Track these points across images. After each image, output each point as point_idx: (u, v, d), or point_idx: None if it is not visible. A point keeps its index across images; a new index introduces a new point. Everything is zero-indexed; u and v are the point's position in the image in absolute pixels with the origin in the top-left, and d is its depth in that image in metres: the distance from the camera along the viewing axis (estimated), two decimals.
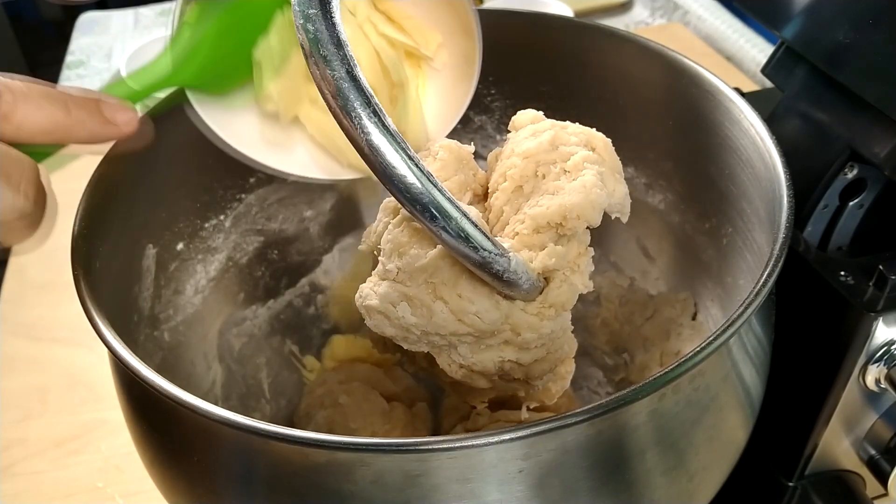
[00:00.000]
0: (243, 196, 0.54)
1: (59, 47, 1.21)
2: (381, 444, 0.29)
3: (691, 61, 0.47)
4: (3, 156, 0.32)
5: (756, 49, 0.98)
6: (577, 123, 0.39)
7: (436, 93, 0.48)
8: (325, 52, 0.28)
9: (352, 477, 0.30)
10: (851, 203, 0.45)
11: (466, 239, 0.30)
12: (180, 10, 0.41)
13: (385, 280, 0.35)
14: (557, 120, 0.40)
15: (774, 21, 0.47)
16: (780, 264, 0.34)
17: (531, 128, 0.39)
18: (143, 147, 0.41)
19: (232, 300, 0.55)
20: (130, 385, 0.38)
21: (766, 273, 0.33)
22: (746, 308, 0.32)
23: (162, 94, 0.43)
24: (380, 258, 0.35)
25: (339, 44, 0.28)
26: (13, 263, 0.76)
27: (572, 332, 0.38)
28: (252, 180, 0.55)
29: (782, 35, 0.47)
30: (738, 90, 0.45)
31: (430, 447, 0.29)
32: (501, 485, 0.30)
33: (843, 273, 0.41)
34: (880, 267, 0.40)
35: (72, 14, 1.30)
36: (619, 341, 0.57)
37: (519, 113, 0.40)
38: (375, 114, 0.28)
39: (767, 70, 0.49)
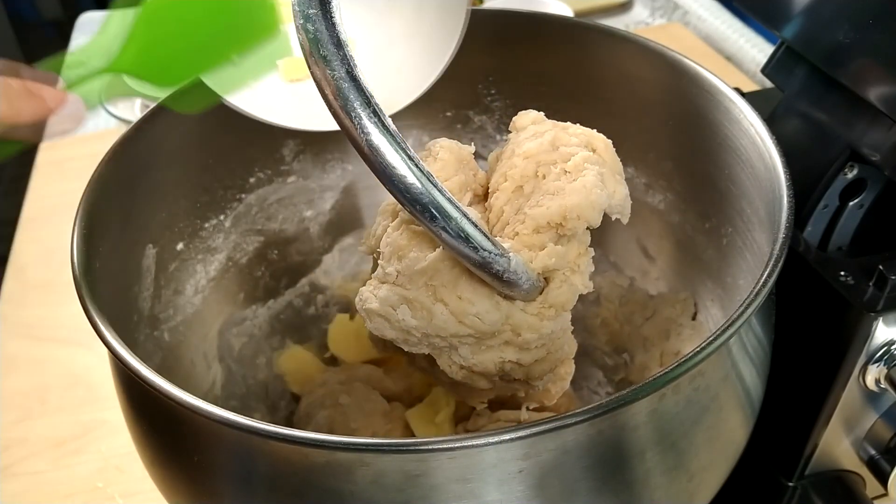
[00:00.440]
0: (243, 196, 0.54)
1: (59, 47, 1.20)
2: (381, 444, 0.29)
3: (691, 61, 0.47)
4: None
5: (756, 49, 0.98)
6: (578, 124, 0.39)
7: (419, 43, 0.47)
8: (325, 52, 0.28)
9: (352, 477, 0.30)
10: (851, 203, 0.45)
11: (466, 239, 0.30)
12: None
13: (385, 283, 0.35)
14: (557, 120, 0.40)
15: (774, 21, 0.47)
16: (780, 264, 0.34)
17: (532, 128, 0.39)
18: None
19: (232, 300, 0.55)
20: (130, 385, 0.38)
21: (766, 273, 0.33)
22: (746, 308, 0.32)
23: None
24: (379, 262, 0.35)
25: (339, 44, 0.28)
26: (13, 263, 0.76)
27: (572, 332, 0.38)
28: (252, 180, 0.55)
29: (782, 35, 0.47)
30: (738, 90, 0.45)
31: (430, 447, 0.29)
32: (501, 485, 0.30)
33: (843, 273, 0.41)
34: (880, 267, 0.40)
35: (72, 14, 1.30)
36: (619, 341, 0.57)
37: (520, 114, 0.40)
38: (375, 114, 0.28)
39: (767, 70, 0.49)
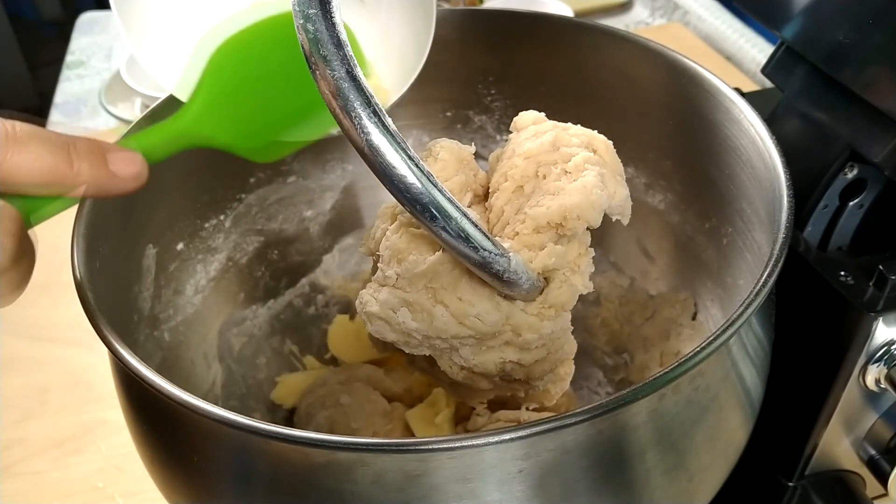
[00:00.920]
0: (243, 196, 0.54)
1: (59, 47, 1.21)
2: (381, 444, 0.29)
3: (691, 61, 0.47)
4: None
5: (756, 49, 0.98)
6: (578, 125, 0.39)
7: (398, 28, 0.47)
8: (325, 52, 0.28)
9: (352, 477, 0.30)
10: (851, 203, 0.45)
11: (466, 239, 0.30)
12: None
13: (385, 286, 0.35)
14: (557, 120, 0.40)
15: (774, 21, 0.47)
16: (780, 264, 0.34)
17: (533, 129, 0.39)
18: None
19: (232, 300, 0.55)
20: (130, 385, 0.38)
21: (766, 273, 0.33)
22: (746, 308, 0.32)
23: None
24: (379, 265, 0.35)
25: (339, 44, 0.28)
26: None
27: (572, 332, 0.38)
28: (252, 180, 0.55)
29: (782, 35, 0.47)
30: (738, 90, 0.45)
31: (430, 447, 0.29)
32: (501, 485, 0.30)
33: (843, 273, 0.41)
34: (880, 267, 0.40)
35: (72, 14, 1.30)
36: (619, 341, 0.57)
37: (521, 114, 0.40)
38: (375, 114, 0.28)
39: (767, 70, 0.49)
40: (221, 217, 0.53)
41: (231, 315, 0.55)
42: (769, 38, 0.99)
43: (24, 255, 0.31)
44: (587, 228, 0.36)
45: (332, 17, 0.28)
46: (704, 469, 0.37)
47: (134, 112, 0.93)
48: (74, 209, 0.39)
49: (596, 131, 0.39)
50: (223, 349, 0.54)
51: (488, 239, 0.31)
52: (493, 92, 0.57)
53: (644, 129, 0.52)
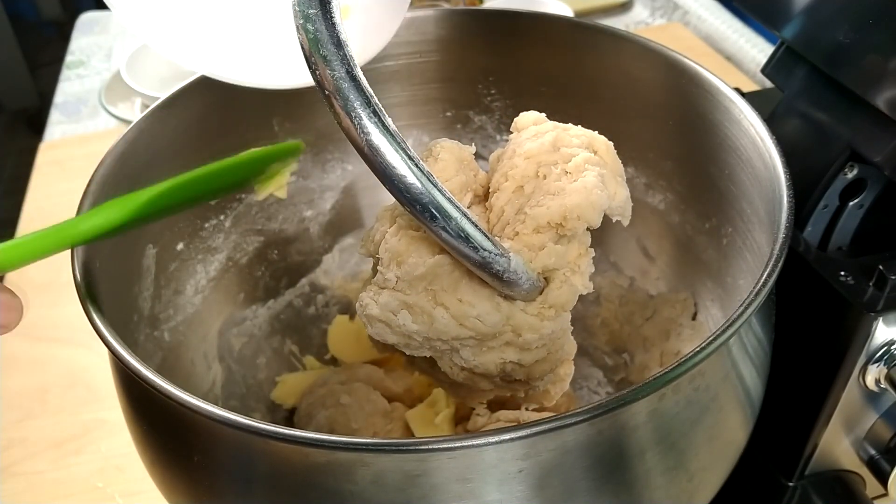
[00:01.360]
0: (243, 196, 0.54)
1: (59, 47, 1.21)
2: (381, 444, 0.29)
3: (691, 61, 0.47)
4: None
5: (756, 49, 0.98)
6: (579, 125, 0.39)
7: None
8: (325, 52, 0.28)
9: (352, 477, 0.30)
10: (851, 203, 0.45)
11: (466, 239, 0.30)
12: None
13: (385, 289, 0.35)
14: (558, 120, 0.40)
15: (774, 21, 0.47)
16: (780, 264, 0.34)
17: (533, 129, 0.39)
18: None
19: (232, 300, 0.55)
20: (130, 385, 0.38)
21: (766, 273, 0.33)
22: (746, 308, 0.32)
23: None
24: (378, 268, 0.35)
25: (339, 44, 0.28)
26: None
27: (572, 332, 0.38)
28: None
29: (782, 35, 0.47)
30: (738, 90, 0.45)
31: (430, 447, 0.29)
32: (501, 485, 0.30)
33: (843, 273, 0.41)
34: (880, 267, 0.40)
35: (72, 14, 1.30)
36: (619, 341, 0.57)
37: (521, 114, 0.40)
38: (375, 114, 0.28)
39: (767, 70, 0.49)
40: (221, 217, 0.53)
41: (231, 315, 0.55)
42: (769, 38, 0.99)
43: None
44: (587, 229, 0.36)
45: (332, 17, 0.28)
46: (704, 469, 0.37)
47: (134, 112, 0.93)
48: (74, 209, 0.39)
49: (596, 132, 0.39)
50: (223, 349, 0.54)
51: (488, 239, 0.31)
52: (493, 92, 0.57)
53: (644, 129, 0.52)
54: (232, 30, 0.41)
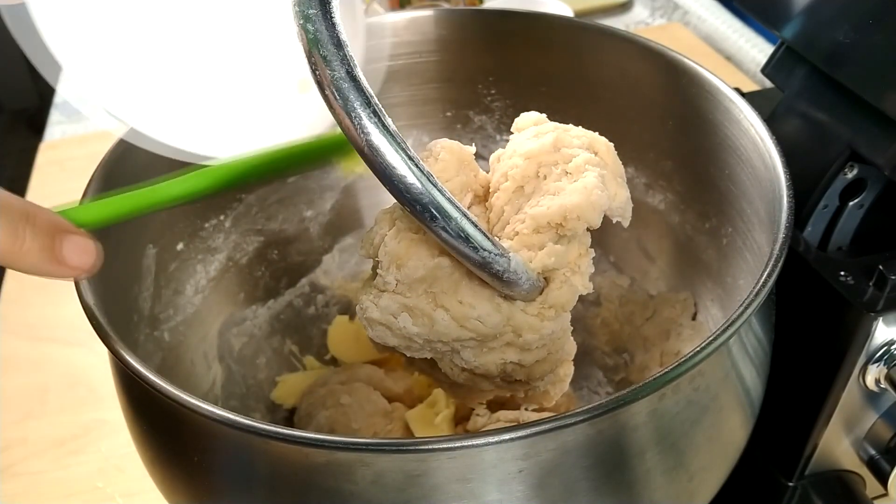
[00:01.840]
0: (243, 196, 0.54)
1: None
2: (381, 444, 0.29)
3: (691, 61, 0.47)
4: None
5: (756, 49, 0.98)
6: (579, 126, 0.39)
7: None
8: (325, 53, 0.28)
9: (352, 477, 0.30)
10: (851, 203, 0.45)
11: (466, 239, 0.30)
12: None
13: (385, 292, 0.35)
14: (557, 120, 0.40)
15: (774, 21, 0.47)
16: (780, 264, 0.34)
17: (534, 129, 0.39)
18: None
19: (232, 300, 0.55)
20: (130, 385, 0.38)
21: (766, 273, 0.33)
22: (746, 308, 0.32)
23: None
24: (378, 270, 0.35)
25: (339, 44, 0.28)
26: None
27: (572, 332, 0.38)
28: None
29: (782, 35, 0.47)
30: (738, 90, 0.45)
31: (430, 447, 0.29)
32: (501, 485, 0.30)
33: (843, 273, 0.41)
34: (880, 267, 0.40)
35: None
36: (619, 341, 0.57)
37: (522, 115, 0.40)
38: (375, 114, 0.28)
39: (767, 70, 0.49)
40: (221, 217, 0.53)
41: (231, 315, 0.55)
42: (769, 38, 0.99)
43: None
44: (588, 229, 0.36)
45: (332, 17, 0.28)
46: (704, 469, 0.37)
47: None
48: None
49: (597, 133, 0.39)
50: (223, 349, 0.54)
51: (488, 239, 0.31)
52: (493, 92, 0.57)
53: (644, 129, 0.52)
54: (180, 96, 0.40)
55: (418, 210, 0.29)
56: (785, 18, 0.46)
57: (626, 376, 0.56)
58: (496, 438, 0.28)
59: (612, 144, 0.38)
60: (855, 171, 0.44)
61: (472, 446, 0.29)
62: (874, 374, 0.41)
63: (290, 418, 0.54)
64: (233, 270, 0.55)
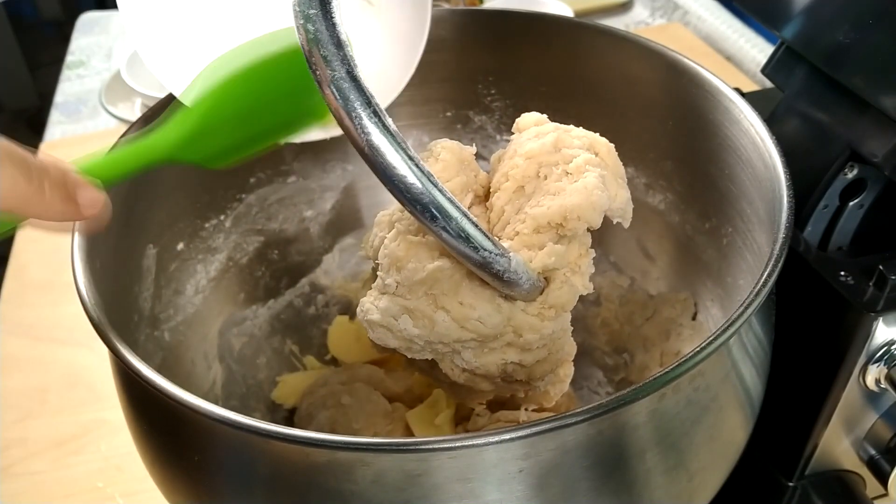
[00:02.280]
0: (243, 196, 0.54)
1: (59, 47, 1.21)
2: (381, 444, 0.29)
3: (691, 61, 0.47)
4: None
5: (756, 49, 0.98)
6: (581, 127, 0.39)
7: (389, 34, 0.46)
8: (325, 53, 0.28)
9: (352, 477, 0.30)
10: (851, 203, 0.45)
11: (467, 239, 0.30)
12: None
13: (385, 294, 0.35)
14: (557, 120, 0.40)
15: (774, 21, 0.47)
16: (780, 264, 0.34)
17: (535, 130, 0.39)
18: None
19: (232, 300, 0.55)
20: (130, 385, 0.38)
21: (766, 273, 0.33)
22: (746, 308, 0.32)
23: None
24: (378, 273, 0.35)
25: (339, 44, 0.28)
26: (13, 263, 0.76)
27: (572, 332, 0.38)
28: (252, 180, 0.55)
29: (782, 35, 0.47)
30: (738, 90, 0.45)
31: (430, 447, 0.29)
32: (501, 485, 0.30)
33: (843, 273, 0.41)
34: (880, 267, 0.40)
35: (72, 14, 1.30)
36: (619, 341, 0.57)
37: (523, 115, 0.40)
38: (375, 114, 0.28)
39: (767, 70, 0.49)
40: (221, 217, 0.53)
41: (231, 315, 0.55)
42: (769, 38, 0.99)
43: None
44: (588, 229, 0.36)
45: (332, 17, 0.28)
46: (704, 469, 0.37)
47: (134, 112, 0.93)
48: None
49: (597, 133, 0.39)
50: (223, 349, 0.54)
51: (488, 239, 0.31)
52: (493, 92, 0.57)
53: (644, 129, 0.52)
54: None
55: (418, 210, 0.29)
56: (785, 18, 0.46)
57: (626, 376, 0.56)
58: (496, 438, 0.28)
59: (612, 145, 0.38)
60: (855, 171, 0.44)
61: (473, 446, 0.29)
62: (874, 374, 0.41)
63: (290, 418, 0.54)
64: (233, 270, 0.55)
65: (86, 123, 0.98)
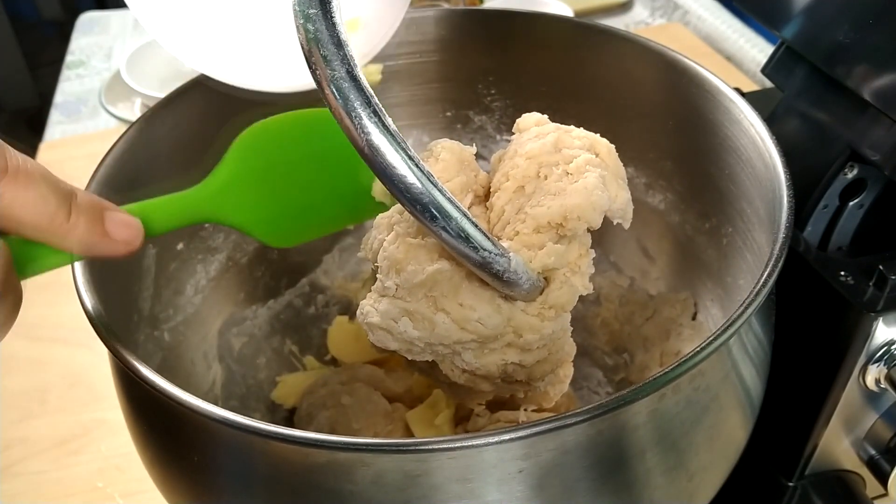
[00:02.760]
0: None
1: (59, 47, 1.20)
2: (381, 444, 0.29)
3: (691, 61, 0.47)
4: None
5: (756, 49, 0.98)
6: (581, 127, 0.39)
7: None
8: (325, 52, 0.28)
9: (352, 477, 0.30)
10: (851, 203, 0.45)
11: (467, 239, 0.30)
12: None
13: (385, 297, 0.35)
14: (557, 120, 0.40)
15: (774, 21, 0.47)
16: (780, 264, 0.34)
17: (535, 130, 0.39)
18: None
19: (232, 300, 0.55)
20: (130, 385, 0.38)
21: (766, 273, 0.33)
22: (746, 308, 0.32)
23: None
24: (377, 275, 0.35)
25: (339, 44, 0.28)
26: None
27: (572, 332, 0.38)
28: None
29: (782, 35, 0.47)
30: (738, 90, 0.45)
31: (430, 447, 0.29)
32: (501, 485, 0.30)
33: (843, 273, 0.41)
34: (880, 267, 0.40)
35: (72, 14, 1.30)
36: (619, 341, 0.57)
37: (524, 115, 0.40)
38: (376, 114, 0.28)
39: (767, 70, 0.49)
40: None
41: (231, 315, 0.55)
42: (769, 38, 0.99)
43: (8, 294, 0.31)
44: (588, 229, 0.36)
45: (332, 17, 0.28)
46: (704, 469, 0.37)
47: (134, 112, 0.93)
48: None
49: (598, 133, 0.39)
50: (223, 349, 0.54)
51: (488, 239, 0.31)
52: (493, 92, 0.57)
53: (644, 129, 0.52)
54: (236, 33, 0.42)
55: (418, 210, 0.29)
56: (785, 18, 0.46)
57: (626, 376, 0.56)
58: (496, 438, 0.28)
59: (612, 146, 0.38)
60: (855, 171, 0.44)
61: (473, 446, 0.29)
62: (874, 374, 0.41)
63: (290, 418, 0.54)
64: (233, 270, 0.55)
65: (86, 123, 0.98)
